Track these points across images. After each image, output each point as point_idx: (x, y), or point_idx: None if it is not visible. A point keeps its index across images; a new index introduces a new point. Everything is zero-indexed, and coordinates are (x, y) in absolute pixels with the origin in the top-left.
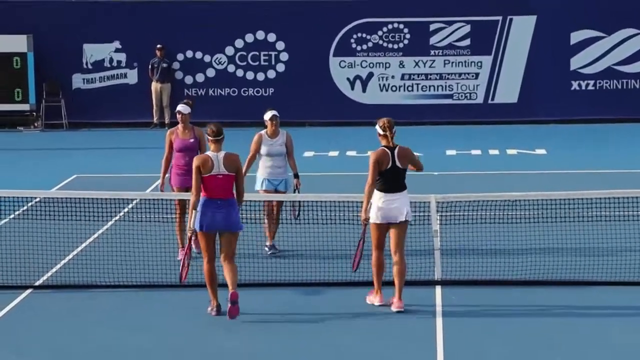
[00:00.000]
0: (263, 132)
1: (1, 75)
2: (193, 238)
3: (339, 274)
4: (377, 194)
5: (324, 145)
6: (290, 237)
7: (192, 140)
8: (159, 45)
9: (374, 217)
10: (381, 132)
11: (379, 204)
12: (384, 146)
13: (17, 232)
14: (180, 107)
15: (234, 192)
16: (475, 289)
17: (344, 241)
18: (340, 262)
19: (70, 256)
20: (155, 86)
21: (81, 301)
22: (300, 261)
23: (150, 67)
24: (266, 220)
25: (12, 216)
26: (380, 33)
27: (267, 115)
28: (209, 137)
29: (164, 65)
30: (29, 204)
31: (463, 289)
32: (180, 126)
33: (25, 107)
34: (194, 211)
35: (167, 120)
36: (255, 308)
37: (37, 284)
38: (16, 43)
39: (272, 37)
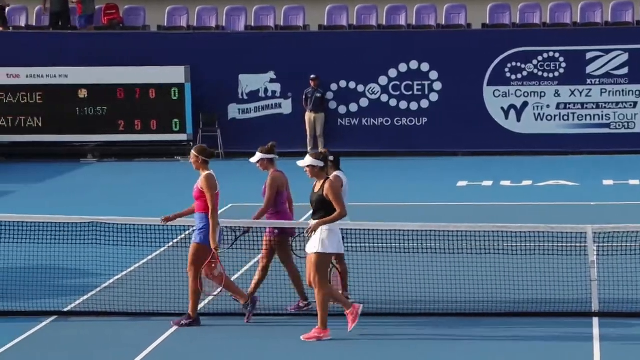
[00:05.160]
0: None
1: (160, 105)
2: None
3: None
4: (340, 223)
5: (477, 175)
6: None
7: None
8: (312, 76)
9: (338, 247)
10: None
11: (338, 233)
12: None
13: (170, 261)
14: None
15: None
16: (635, 321)
17: (501, 271)
18: (495, 292)
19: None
20: (309, 116)
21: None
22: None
23: (304, 97)
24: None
25: (164, 248)
26: (535, 62)
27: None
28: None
29: (318, 95)
30: (186, 233)
31: (622, 322)
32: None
33: (182, 137)
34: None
35: (321, 149)
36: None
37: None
38: (174, 74)
39: (425, 66)
